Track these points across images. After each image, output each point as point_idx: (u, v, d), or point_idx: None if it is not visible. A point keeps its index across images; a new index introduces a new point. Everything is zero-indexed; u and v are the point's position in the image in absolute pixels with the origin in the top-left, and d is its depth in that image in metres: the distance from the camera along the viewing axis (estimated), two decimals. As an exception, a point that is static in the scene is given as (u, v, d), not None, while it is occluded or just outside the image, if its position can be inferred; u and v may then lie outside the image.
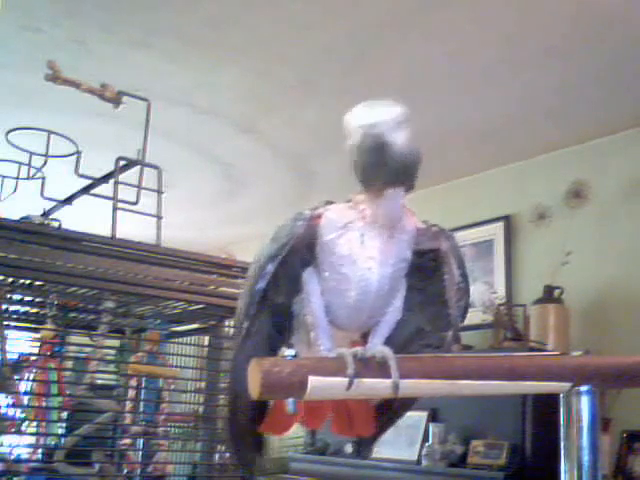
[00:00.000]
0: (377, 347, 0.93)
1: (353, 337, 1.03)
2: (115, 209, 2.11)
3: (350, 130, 0.91)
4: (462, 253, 1.01)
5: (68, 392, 2.14)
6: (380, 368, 0.87)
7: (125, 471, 2.33)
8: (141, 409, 2.33)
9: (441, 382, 0.89)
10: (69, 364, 2.30)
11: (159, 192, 2.27)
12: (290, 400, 0.83)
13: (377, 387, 0.87)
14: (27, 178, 2.44)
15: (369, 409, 1.08)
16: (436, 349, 1.05)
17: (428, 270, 1.03)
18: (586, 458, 0.92)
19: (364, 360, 0.88)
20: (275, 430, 1.11)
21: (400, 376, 0.86)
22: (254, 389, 0.80)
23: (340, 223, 0.95)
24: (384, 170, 0.89)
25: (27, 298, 2.17)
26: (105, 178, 2.32)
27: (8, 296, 2.09)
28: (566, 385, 0.93)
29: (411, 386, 0.87)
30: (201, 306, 2.10)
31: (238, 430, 1.07)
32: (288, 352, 0.84)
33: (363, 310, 0.97)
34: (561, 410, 0.96)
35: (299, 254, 0.99)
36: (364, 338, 1.02)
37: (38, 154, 2.39)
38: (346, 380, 0.84)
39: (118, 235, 2.01)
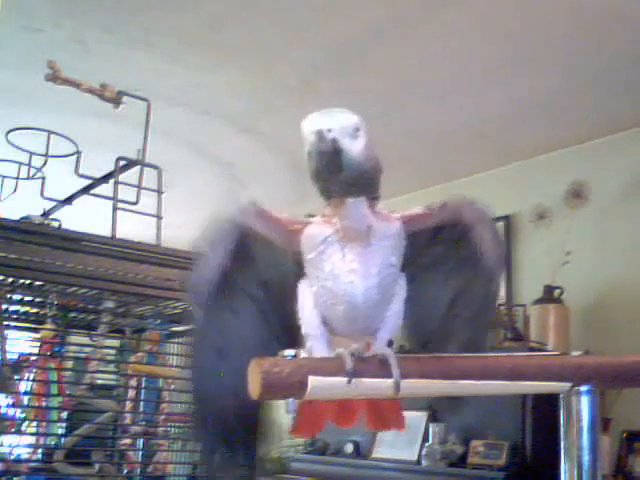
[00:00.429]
0: (378, 348, 0.93)
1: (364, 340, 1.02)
2: (115, 209, 2.11)
3: (306, 136, 0.89)
4: (488, 215, 1.00)
5: (68, 392, 2.14)
6: (381, 368, 0.87)
7: (125, 471, 2.33)
8: (141, 409, 2.33)
9: (441, 382, 0.89)
10: (69, 364, 2.30)
11: (159, 192, 2.27)
12: (290, 400, 0.83)
13: (378, 387, 0.87)
14: (27, 178, 2.44)
15: (397, 403, 1.08)
16: (480, 315, 1.05)
17: (456, 242, 1.01)
18: (586, 458, 0.92)
19: (363, 358, 0.88)
20: (307, 432, 1.11)
21: (401, 375, 0.86)
22: (254, 389, 0.80)
23: (319, 239, 0.94)
24: (339, 178, 0.88)
25: (27, 298, 2.17)
26: (105, 178, 2.32)
27: (8, 296, 2.09)
28: (566, 385, 0.93)
29: (412, 386, 0.87)
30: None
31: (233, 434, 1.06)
32: (288, 352, 0.84)
33: (356, 320, 0.96)
34: (561, 410, 0.96)
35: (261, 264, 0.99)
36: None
37: (38, 154, 2.39)
38: (346, 380, 0.84)
39: (118, 235, 2.01)
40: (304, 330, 0.98)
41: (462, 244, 1.01)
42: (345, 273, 0.93)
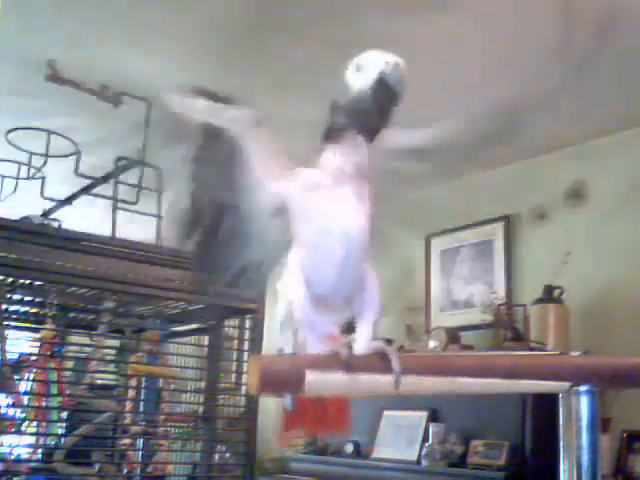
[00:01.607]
0: (376, 344, 0.93)
1: (338, 318, 1.00)
2: (115, 209, 2.11)
3: (367, 64, 1.02)
4: None
5: (68, 392, 2.14)
6: (380, 364, 0.88)
7: (125, 471, 2.33)
8: (141, 409, 2.33)
9: (441, 379, 0.89)
10: (69, 364, 2.30)
11: (159, 192, 2.27)
12: (288, 396, 0.83)
13: (377, 383, 0.87)
14: (27, 178, 2.44)
15: (343, 403, 1.06)
16: None
17: None
18: (586, 458, 0.92)
19: (362, 355, 0.88)
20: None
21: (401, 372, 0.86)
22: (253, 385, 0.80)
23: (309, 184, 0.98)
24: (388, 106, 0.97)
25: (27, 298, 2.17)
26: (105, 178, 2.32)
27: (8, 296, 2.09)
28: (565, 385, 0.93)
29: (411, 383, 0.87)
30: (201, 306, 2.11)
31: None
32: (286, 349, 0.85)
33: (345, 268, 0.94)
34: (561, 410, 0.96)
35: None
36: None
37: (38, 154, 2.39)
38: (343, 375, 0.84)
39: (118, 235, 2.01)
40: (294, 310, 0.95)
41: None
42: (339, 212, 0.95)
